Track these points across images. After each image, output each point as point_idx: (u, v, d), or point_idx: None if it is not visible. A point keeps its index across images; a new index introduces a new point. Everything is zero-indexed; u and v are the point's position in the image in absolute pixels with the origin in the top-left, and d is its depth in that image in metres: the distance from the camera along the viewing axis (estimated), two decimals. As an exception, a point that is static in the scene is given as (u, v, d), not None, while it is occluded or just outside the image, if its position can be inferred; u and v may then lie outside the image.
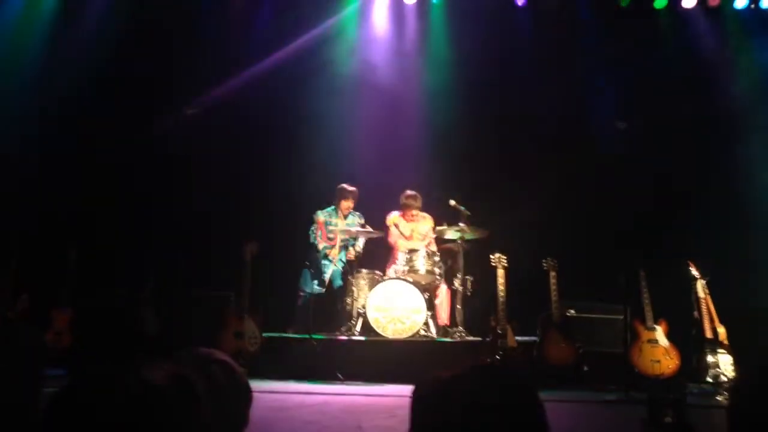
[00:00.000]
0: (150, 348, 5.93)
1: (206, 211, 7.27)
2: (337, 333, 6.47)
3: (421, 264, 6.54)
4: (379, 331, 6.22)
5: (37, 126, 7.38)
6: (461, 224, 6.53)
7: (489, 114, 7.85)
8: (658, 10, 8.07)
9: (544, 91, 7.57)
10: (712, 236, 6.87)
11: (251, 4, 8.20)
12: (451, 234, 6.68)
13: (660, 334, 5.88)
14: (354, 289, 6.53)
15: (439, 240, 6.99)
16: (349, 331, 6.39)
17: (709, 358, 5.77)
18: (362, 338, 6.29)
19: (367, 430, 3.87)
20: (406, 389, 1.21)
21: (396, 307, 6.26)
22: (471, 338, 6.35)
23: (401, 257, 6.63)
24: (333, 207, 7.08)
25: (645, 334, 5.87)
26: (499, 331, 5.92)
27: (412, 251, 6.62)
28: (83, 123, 7.38)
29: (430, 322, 6.46)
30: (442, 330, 6.59)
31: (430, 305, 6.49)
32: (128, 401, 1.01)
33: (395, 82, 8.01)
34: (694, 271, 6.10)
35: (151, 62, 7.47)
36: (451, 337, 6.41)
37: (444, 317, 6.67)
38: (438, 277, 6.61)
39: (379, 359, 6.03)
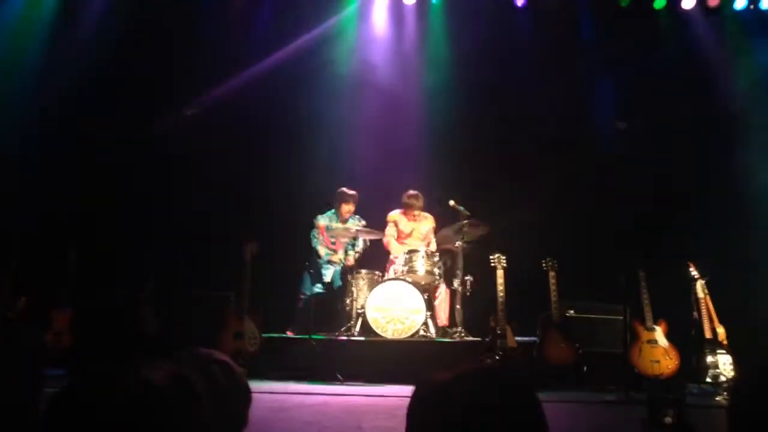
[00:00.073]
0: (150, 348, 5.93)
1: (206, 211, 7.27)
2: (337, 333, 6.48)
3: (421, 264, 6.53)
4: (378, 331, 6.22)
5: (37, 126, 7.37)
6: (461, 224, 6.53)
7: (489, 114, 7.85)
8: (658, 11, 8.07)
9: (544, 91, 7.57)
10: (712, 236, 6.86)
11: (251, 4, 8.20)
12: (452, 236, 6.69)
13: (660, 334, 5.88)
14: (353, 289, 6.53)
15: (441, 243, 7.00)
16: (349, 331, 6.39)
17: (709, 359, 5.77)
18: (362, 338, 6.29)
19: (367, 431, 3.87)
20: (406, 389, 1.22)
21: (395, 307, 6.26)
22: (470, 338, 6.34)
23: (401, 257, 6.64)
24: (333, 211, 7.07)
25: (645, 335, 5.87)
26: (499, 332, 5.92)
27: (411, 251, 6.62)
28: (83, 123, 7.37)
29: (430, 322, 6.45)
30: (441, 330, 6.59)
31: (430, 305, 6.49)
32: (128, 401, 1.01)
33: (395, 82, 8.01)
34: (694, 272, 6.11)
35: (151, 62, 7.47)
36: (451, 338, 6.41)
37: (443, 317, 6.67)
38: (437, 277, 6.61)
39: (379, 360, 6.03)
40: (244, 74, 7.80)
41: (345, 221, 7.00)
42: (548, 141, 7.73)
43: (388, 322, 6.24)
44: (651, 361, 5.76)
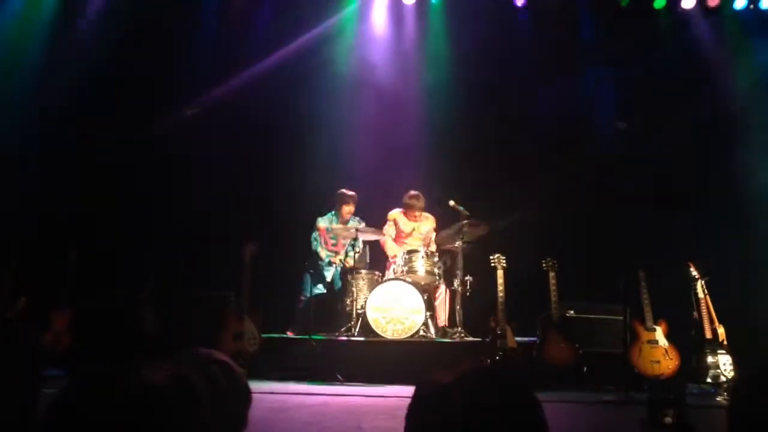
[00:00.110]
0: (150, 348, 5.93)
1: (206, 211, 7.28)
2: (337, 334, 6.47)
3: (421, 264, 6.53)
4: (378, 331, 6.22)
5: (37, 126, 7.37)
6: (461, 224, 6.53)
7: (489, 114, 7.85)
8: (658, 11, 8.07)
9: (544, 91, 7.58)
10: (712, 236, 6.87)
11: (251, 4, 8.21)
12: (452, 236, 6.69)
13: (660, 334, 5.88)
14: (353, 289, 6.53)
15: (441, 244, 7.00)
16: (349, 331, 6.38)
17: (709, 359, 5.77)
18: (362, 339, 6.29)
19: (367, 431, 3.87)
20: (406, 390, 1.22)
21: (395, 307, 6.26)
22: (470, 339, 6.34)
23: (400, 257, 6.63)
24: (333, 212, 7.06)
25: (645, 335, 5.87)
26: (499, 332, 5.92)
27: (411, 252, 6.62)
28: (83, 123, 7.37)
29: (430, 322, 6.46)
30: (441, 331, 6.59)
31: (430, 306, 6.49)
32: (128, 401, 1.01)
33: (395, 81, 8.01)
34: (694, 272, 6.11)
35: (151, 62, 7.47)
36: (451, 338, 6.41)
37: (443, 318, 6.67)
38: (437, 277, 6.61)
39: (379, 360, 6.03)
40: (244, 74, 7.80)
41: (345, 222, 6.99)
42: (548, 141, 7.73)
43: (388, 323, 6.24)
44: (651, 361, 5.76)
